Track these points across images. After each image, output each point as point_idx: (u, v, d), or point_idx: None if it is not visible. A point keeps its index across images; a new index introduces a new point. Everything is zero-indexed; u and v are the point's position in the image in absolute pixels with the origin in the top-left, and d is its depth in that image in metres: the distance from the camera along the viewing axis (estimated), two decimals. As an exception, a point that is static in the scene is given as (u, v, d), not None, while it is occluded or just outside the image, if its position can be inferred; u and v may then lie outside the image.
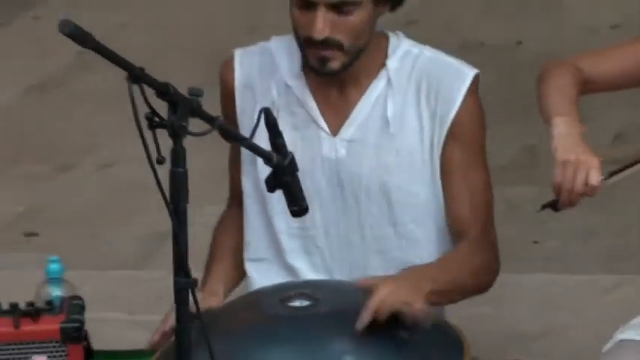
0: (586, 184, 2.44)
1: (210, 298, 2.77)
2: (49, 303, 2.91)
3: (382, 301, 2.53)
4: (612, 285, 3.82)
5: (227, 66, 2.94)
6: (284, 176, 2.32)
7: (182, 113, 2.00)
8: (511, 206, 4.16)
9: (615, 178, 2.58)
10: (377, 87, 2.85)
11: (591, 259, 4.02)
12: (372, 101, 2.85)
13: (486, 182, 2.88)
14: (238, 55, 2.92)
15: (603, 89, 2.81)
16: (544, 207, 2.59)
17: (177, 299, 2.05)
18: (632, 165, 2.63)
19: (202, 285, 2.77)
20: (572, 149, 2.49)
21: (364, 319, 2.47)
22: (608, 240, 4.03)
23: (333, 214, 2.84)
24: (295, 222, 2.75)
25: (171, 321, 2.32)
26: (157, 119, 1.99)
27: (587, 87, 2.71)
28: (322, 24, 2.62)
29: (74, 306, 2.92)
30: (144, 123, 1.95)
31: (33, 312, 2.84)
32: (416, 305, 2.51)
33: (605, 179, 2.51)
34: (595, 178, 2.45)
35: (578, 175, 2.44)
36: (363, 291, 2.60)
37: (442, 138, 2.82)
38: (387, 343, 2.58)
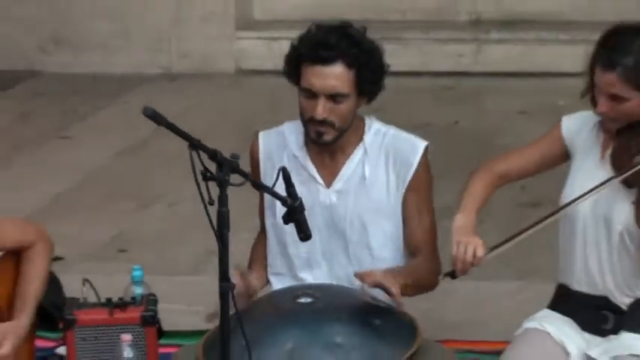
0: (474, 256, 2.44)
1: (256, 281, 2.77)
2: (133, 298, 2.87)
3: (372, 273, 2.53)
4: (518, 289, 3.62)
5: (254, 143, 2.82)
6: (295, 214, 2.31)
7: (226, 171, 2.02)
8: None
9: (494, 252, 2.56)
10: (357, 154, 2.75)
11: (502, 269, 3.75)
12: (354, 164, 2.72)
13: (433, 218, 2.81)
14: (261, 136, 2.82)
15: (518, 178, 2.73)
16: (445, 275, 2.59)
17: (221, 298, 2.06)
18: (506, 242, 2.57)
19: (249, 272, 2.76)
20: (464, 234, 2.53)
21: (360, 274, 2.52)
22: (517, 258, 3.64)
23: (327, 241, 2.75)
24: (303, 247, 2.73)
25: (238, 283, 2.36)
26: (209, 174, 2.00)
27: (504, 179, 2.69)
28: (322, 109, 2.59)
29: (150, 300, 2.88)
30: (200, 176, 2.00)
31: (122, 304, 2.80)
32: (394, 289, 2.49)
33: (487, 253, 2.51)
34: (480, 252, 2.45)
35: (468, 251, 2.45)
36: (350, 290, 2.61)
37: (403, 190, 2.74)
38: (365, 326, 2.52)
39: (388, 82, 2.74)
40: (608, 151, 2.39)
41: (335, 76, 2.53)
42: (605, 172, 2.36)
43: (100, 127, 5.97)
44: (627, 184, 2.27)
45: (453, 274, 2.45)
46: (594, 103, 2.37)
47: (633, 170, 2.33)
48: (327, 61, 2.52)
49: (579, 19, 6.62)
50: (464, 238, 2.43)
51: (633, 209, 2.32)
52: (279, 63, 2.86)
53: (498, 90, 6.13)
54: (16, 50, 6.78)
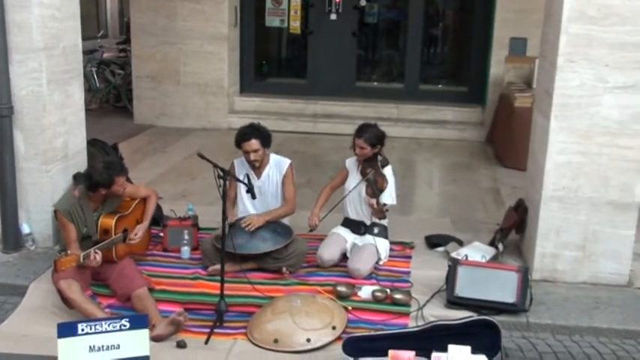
0: (314, 216, 4.76)
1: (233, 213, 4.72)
2: (189, 217, 5.10)
3: (251, 218, 4.62)
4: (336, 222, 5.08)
5: (233, 165, 4.82)
6: (251, 190, 4.51)
7: (229, 177, 4.04)
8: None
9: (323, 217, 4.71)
10: (268, 167, 4.85)
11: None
12: (267, 170, 4.87)
13: (293, 189, 4.81)
14: (236, 161, 4.85)
15: (338, 188, 4.88)
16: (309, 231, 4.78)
17: (223, 221, 4.00)
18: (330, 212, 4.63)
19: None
20: (314, 212, 4.89)
21: (247, 220, 4.59)
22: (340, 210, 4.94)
23: (259, 200, 4.76)
24: (249, 201, 4.78)
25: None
26: (222, 176, 3.98)
27: (334, 189, 4.92)
28: (253, 158, 4.71)
29: (194, 217, 5.10)
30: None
31: (185, 218, 5.01)
32: (261, 220, 4.57)
33: (321, 219, 4.71)
34: (315, 214, 4.82)
35: (313, 214, 4.85)
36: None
37: (281, 178, 4.83)
38: (273, 230, 4.72)
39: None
40: (360, 169, 4.78)
41: (253, 144, 4.64)
42: (359, 177, 4.76)
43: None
44: (367, 181, 4.67)
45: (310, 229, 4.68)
46: (354, 150, 4.75)
47: (366, 177, 4.68)
48: (247, 138, 4.63)
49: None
50: (314, 211, 4.78)
51: (365, 189, 4.68)
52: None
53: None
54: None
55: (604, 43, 4.31)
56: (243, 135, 4.67)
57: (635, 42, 4.30)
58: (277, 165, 4.92)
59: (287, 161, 4.90)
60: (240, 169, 4.85)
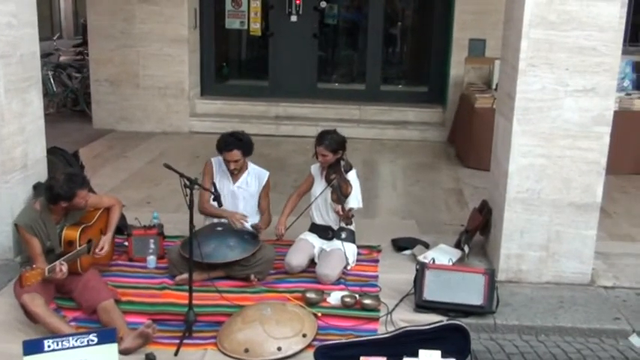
0: (280, 224, 4.77)
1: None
2: (154, 225, 5.04)
3: (234, 213, 4.73)
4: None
5: (208, 164, 4.89)
6: (218, 199, 4.45)
7: (193, 186, 3.92)
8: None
9: (290, 222, 4.74)
10: (245, 174, 4.93)
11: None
12: (244, 177, 4.93)
13: (269, 200, 4.96)
14: (213, 160, 4.89)
15: (304, 194, 4.95)
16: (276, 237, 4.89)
17: (190, 223, 3.92)
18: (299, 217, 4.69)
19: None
20: (281, 221, 4.99)
21: (234, 216, 4.67)
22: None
23: (231, 203, 4.83)
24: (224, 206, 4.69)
25: None
26: (189, 186, 3.89)
27: (301, 195, 4.95)
28: (233, 167, 4.80)
29: (160, 225, 5.05)
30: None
31: (150, 227, 4.95)
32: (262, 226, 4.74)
33: (288, 227, 4.74)
34: (282, 223, 4.82)
35: (280, 222, 4.82)
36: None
37: (260, 189, 4.93)
38: (240, 237, 4.69)
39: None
40: (324, 175, 4.83)
41: (234, 154, 4.72)
42: (324, 183, 4.80)
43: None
44: (332, 187, 4.70)
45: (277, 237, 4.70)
46: (317, 158, 4.79)
47: (331, 184, 4.71)
48: (230, 149, 4.71)
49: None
50: (281, 219, 4.79)
51: (330, 195, 4.73)
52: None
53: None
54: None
55: (564, 48, 4.39)
56: (226, 144, 4.71)
57: (594, 46, 4.39)
58: (257, 175, 4.96)
59: (267, 173, 4.98)
60: (218, 169, 4.89)
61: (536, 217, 4.65)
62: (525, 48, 4.41)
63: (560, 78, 4.43)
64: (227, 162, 4.76)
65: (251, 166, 4.96)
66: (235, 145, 4.70)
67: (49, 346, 3.29)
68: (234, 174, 4.85)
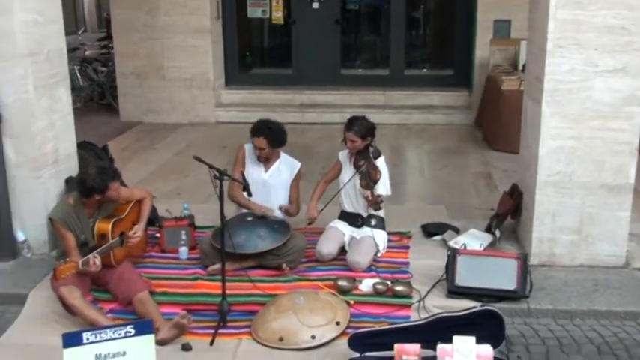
0: (313, 209, 4.77)
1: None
2: (185, 216, 5.07)
3: (261, 207, 4.74)
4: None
5: (241, 149, 4.90)
6: (247, 188, 4.45)
7: (223, 177, 3.93)
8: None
9: (322, 208, 4.69)
10: (277, 163, 4.94)
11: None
12: (275, 166, 4.94)
13: (299, 189, 4.94)
14: (246, 146, 4.90)
15: (332, 181, 4.91)
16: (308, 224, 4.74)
17: (221, 214, 3.98)
18: (328, 204, 4.58)
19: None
20: (312, 206, 4.84)
21: (260, 209, 4.71)
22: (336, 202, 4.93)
23: (262, 193, 4.81)
24: (254, 197, 4.66)
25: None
26: (218, 177, 3.95)
27: (328, 182, 4.91)
28: (258, 154, 4.80)
29: (191, 216, 5.08)
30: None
31: (181, 218, 4.97)
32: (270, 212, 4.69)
33: (320, 210, 4.70)
34: (313, 206, 4.74)
35: (310, 207, 4.89)
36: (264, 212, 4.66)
37: (291, 178, 4.93)
38: (270, 226, 4.71)
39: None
40: (353, 162, 4.77)
41: (260, 141, 4.75)
42: (353, 170, 4.77)
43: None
44: (361, 174, 4.66)
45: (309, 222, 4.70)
46: (345, 144, 4.75)
47: (360, 170, 4.65)
48: (257, 135, 4.75)
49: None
50: (311, 204, 4.77)
51: (359, 181, 4.71)
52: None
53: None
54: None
55: (592, 27, 4.32)
56: (255, 130, 4.75)
57: (623, 25, 4.30)
58: (289, 164, 4.98)
59: (298, 164, 5.00)
60: (250, 155, 4.91)
61: (568, 199, 4.61)
62: (552, 29, 4.34)
63: (589, 58, 4.36)
64: (255, 148, 4.79)
65: (283, 155, 4.96)
66: (262, 133, 4.71)
67: (87, 339, 3.31)
68: (265, 162, 4.86)
